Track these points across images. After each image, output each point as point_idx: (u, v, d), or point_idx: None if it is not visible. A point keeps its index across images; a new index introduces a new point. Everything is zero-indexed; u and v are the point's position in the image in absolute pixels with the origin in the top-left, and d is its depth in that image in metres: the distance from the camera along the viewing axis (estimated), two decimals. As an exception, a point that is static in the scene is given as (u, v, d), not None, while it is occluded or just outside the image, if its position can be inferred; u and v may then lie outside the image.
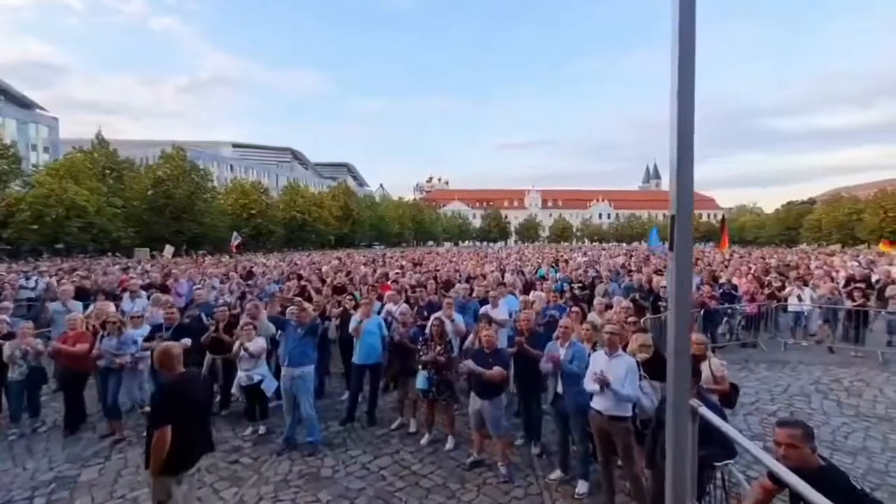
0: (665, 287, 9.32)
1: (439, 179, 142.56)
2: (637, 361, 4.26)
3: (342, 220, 68.56)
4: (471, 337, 6.23)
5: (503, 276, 13.03)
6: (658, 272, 13.62)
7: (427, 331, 6.16)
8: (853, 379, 8.01)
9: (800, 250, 44.37)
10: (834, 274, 13.49)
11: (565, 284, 10.26)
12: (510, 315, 7.74)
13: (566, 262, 17.46)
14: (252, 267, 17.77)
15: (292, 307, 6.03)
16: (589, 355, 4.59)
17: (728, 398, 4.60)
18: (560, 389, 4.72)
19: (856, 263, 17.86)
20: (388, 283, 11.44)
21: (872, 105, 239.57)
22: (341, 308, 7.35)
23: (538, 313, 7.99)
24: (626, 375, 4.03)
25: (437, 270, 11.46)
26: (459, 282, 12.69)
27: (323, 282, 11.77)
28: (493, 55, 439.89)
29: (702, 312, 9.64)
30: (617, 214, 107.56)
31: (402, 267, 16.88)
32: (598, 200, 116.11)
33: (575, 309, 6.01)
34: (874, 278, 12.16)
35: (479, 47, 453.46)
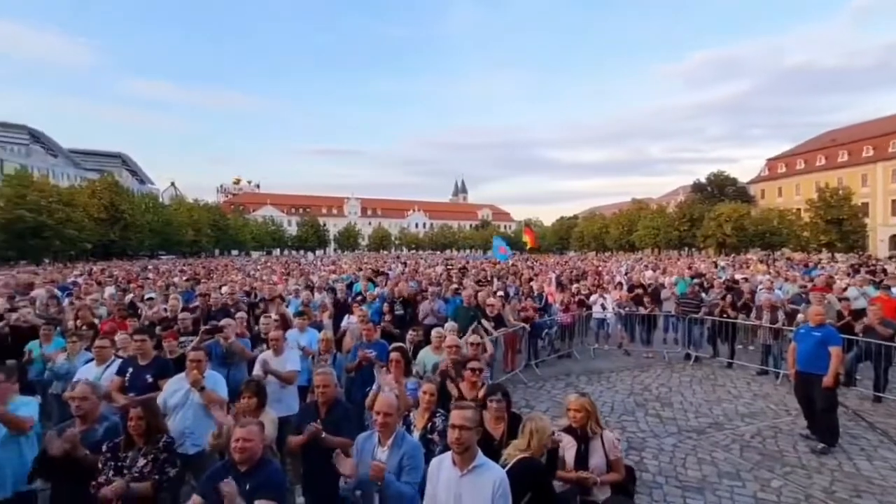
0: (492, 305, 8.30)
1: (249, 182, 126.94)
2: (515, 467, 2.49)
3: (107, 223, 53.53)
4: (225, 422, 3.69)
5: (312, 295, 10.47)
6: (480, 283, 12.99)
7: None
8: (657, 384, 8.26)
9: (572, 256, 53.34)
10: (621, 280, 15.14)
11: (384, 304, 8.36)
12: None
13: (385, 274, 15.71)
14: None
15: None
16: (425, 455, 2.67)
17: (625, 489, 3.24)
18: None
19: (628, 270, 21.09)
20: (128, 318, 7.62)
21: (613, 146, 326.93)
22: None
23: (347, 352, 5.89)
24: (492, 506, 2.21)
25: (208, 295, 8.00)
26: (253, 301, 9.57)
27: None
28: (303, 56, 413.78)
29: (528, 329, 8.99)
30: (431, 224, 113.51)
31: (168, 286, 12.56)
32: (414, 210, 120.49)
33: (395, 355, 4.06)
34: (646, 283, 13.86)
35: (284, 44, 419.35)
